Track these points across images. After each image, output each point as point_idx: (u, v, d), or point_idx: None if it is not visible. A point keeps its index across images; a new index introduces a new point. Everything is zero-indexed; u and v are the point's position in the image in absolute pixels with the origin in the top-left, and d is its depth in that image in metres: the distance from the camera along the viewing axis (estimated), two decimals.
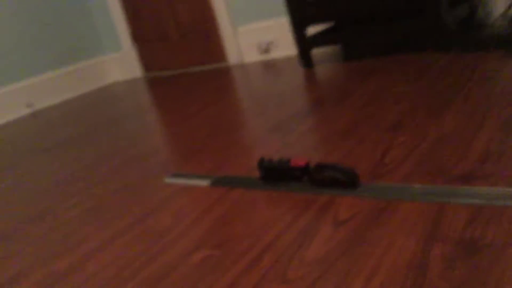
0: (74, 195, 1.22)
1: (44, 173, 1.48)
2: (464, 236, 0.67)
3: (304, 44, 2.01)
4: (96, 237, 0.95)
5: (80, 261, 0.88)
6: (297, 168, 0.94)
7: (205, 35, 2.75)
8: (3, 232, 1.10)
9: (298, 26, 1.99)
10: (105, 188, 1.22)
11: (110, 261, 0.85)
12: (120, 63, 3.14)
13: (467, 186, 0.80)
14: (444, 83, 1.39)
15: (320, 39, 1.98)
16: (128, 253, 0.86)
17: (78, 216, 1.08)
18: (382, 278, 0.62)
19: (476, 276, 0.59)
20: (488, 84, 1.28)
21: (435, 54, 1.77)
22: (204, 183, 1.08)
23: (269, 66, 2.35)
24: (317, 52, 2.39)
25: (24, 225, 1.11)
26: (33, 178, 1.46)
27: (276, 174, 0.98)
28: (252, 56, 2.62)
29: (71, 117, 2.30)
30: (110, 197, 1.15)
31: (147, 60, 3.04)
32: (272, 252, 0.75)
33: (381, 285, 0.61)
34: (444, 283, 0.59)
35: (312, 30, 2.20)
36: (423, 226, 0.71)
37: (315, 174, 0.92)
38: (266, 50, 2.55)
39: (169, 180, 1.15)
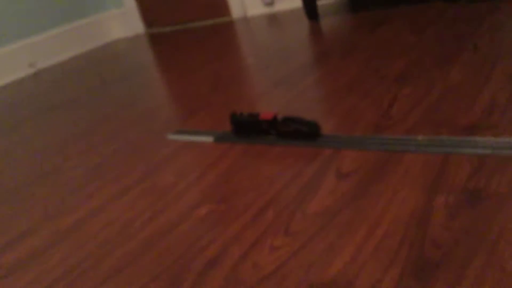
0: (78, 154, 1.23)
1: (48, 133, 1.48)
2: (468, 186, 0.66)
3: None
4: (101, 195, 0.96)
5: (85, 217, 0.89)
6: (264, 121, 0.98)
7: None
8: (10, 190, 1.11)
9: None
10: (109, 147, 1.22)
11: (115, 217, 0.86)
12: (122, 19, 3.08)
13: (472, 137, 0.78)
14: (452, 34, 1.35)
15: None
16: (133, 209, 0.87)
17: (82, 174, 1.09)
18: (385, 229, 0.62)
19: (479, 225, 0.59)
20: (496, 35, 1.24)
21: (443, 4, 1.71)
22: (207, 139, 1.07)
23: (274, 19, 2.29)
24: (323, 4, 2.32)
25: (30, 183, 1.12)
26: (37, 138, 1.46)
27: (246, 127, 1.01)
28: (256, 9, 2.56)
29: (74, 76, 2.29)
30: (114, 155, 1.15)
31: (149, 16, 2.99)
32: (275, 205, 0.75)
33: (383, 235, 0.61)
34: (446, 232, 0.59)
35: None
36: (426, 177, 0.71)
37: (281, 126, 0.95)
38: (271, 3, 2.49)
39: (172, 136, 1.15)
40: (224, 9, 2.67)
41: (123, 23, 3.09)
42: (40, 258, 0.79)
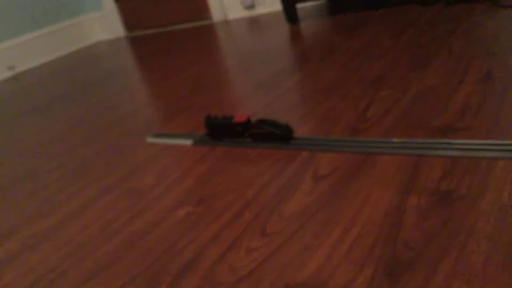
0: (57, 156, 1.22)
1: (27, 136, 1.47)
2: (439, 188, 0.68)
3: None
4: (80, 197, 0.96)
5: (64, 220, 0.88)
6: (238, 124, 0.99)
7: None
8: None
9: None
10: (88, 149, 1.21)
11: (94, 219, 0.86)
12: (102, 22, 3.07)
13: (445, 139, 0.80)
14: (428, 36, 1.38)
15: None
16: (112, 211, 0.87)
17: (61, 176, 1.08)
18: (359, 229, 0.64)
19: (449, 226, 0.60)
20: (472, 37, 1.27)
21: (421, 7, 1.75)
22: (187, 142, 1.07)
23: (254, 22, 2.31)
24: (302, 7, 2.34)
25: (8, 186, 1.11)
26: (15, 140, 1.45)
27: (220, 130, 1.03)
28: (236, 12, 2.57)
29: (54, 79, 2.27)
30: (93, 157, 1.15)
31: (129, 18, 2.97)
32: (253, 207, 0.76)
33: (358, 235, 0.63)
34: (417, 233, 0.60)
35: None
36: (400, 179, 0.72)
37: (254, 129, 0.97)
38: (251, 6, 2.50)
39: (151, 139, 1.15)
40: (204, 12, 2.68)
41: (104, 26, 3.07)
42: (16, 260, 0.78)
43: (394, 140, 0.84)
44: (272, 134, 0.94)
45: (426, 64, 1.16)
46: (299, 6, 2.37)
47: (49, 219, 0.90)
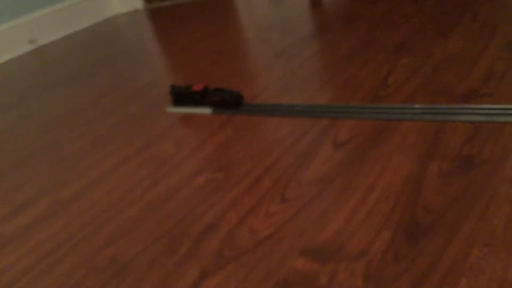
0: (78, 127, 1.23)
1: (48, 108, 1.49)
2: (461, 153, 0.67)
3: None
4: (101, 166, 0.97)
5: (85, 187, 0.90)
6: (196, 92, 1.08)
7: None
8: (11, 163, 1.13)
9: None
10: (108, 120, 1.23)
11: (115, 186, 0.87)
12: None
13: (467, 104, 0.79)
14: (452, 2, 1.34)
15: None
16: (132, 178, 0.88)
17: (83, 146, 1.10)
18: (378, 194, 0.63)
19: (471, 191, 0.59)
20: (497, 4, 1.23)
21: None
22: (206, 111, 1.08)
23: None
24: None
25: (31, 156, 1.13)
26: (38, 113, 1.47)
27: (182, 98, 1.12)
28: None
29: (74, 52, 2.28)
30: (113, 128, 1.16)
31: None
32: (271, 174, 0.76)
33: (377, 200, 0.62)
34: (438, 198, 0.60)
35: None
36: (421, 145, 0.72)
37: (209, 96, 1.07)
38: None
39: (171, 109, 1.15)
40: None
41: None
42: (41, 226, 0.81)
43: (416, 106, 0.82)
44: (225, 100, 1.04)
45: (450, 31, 1.13)
46: None
47: (72, 187, 0.92)
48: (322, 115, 0.90)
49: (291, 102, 1.00)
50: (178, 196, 0.78)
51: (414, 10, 1.37)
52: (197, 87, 1.08)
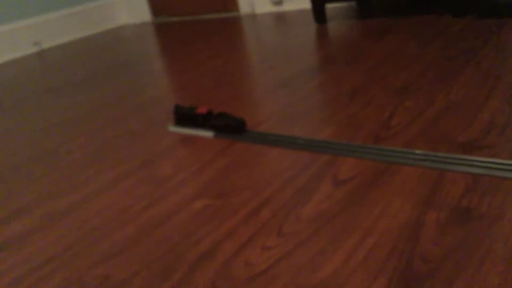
0: (78, 137, 1.23)
1: (49, 114, 1.49)
2: (460, 204, 0.68)
3: None
4: (98, 180, 0.97)
5: (81, 201, 0.90)
6: (200, 115, 1.09)
7: None
8: (7, 169, 1.12)
9: None
10: (109, 132, 1.23)
11: (111, 203, 0.87)
12: (129, 6, 3.08)
13: (468, 155, 0.80)
14: (457, 48, 1.37)
15: None
16: (129, 196, 0.88)
17: (81, 157, 1.10)
18: (376, 238, 0.64)
19: (467, 244, 0.60)
20: (501, 53, 1.26)
21: (451, 18, 1.73)
22: (208, 134, 1.08)
23: (281, 19, 2.30)
24: (331, 8, 2.33)
25: (28, 164, 1.13)
26: (37, 118, 1.47)
27: (186, 119, 1.12)
28: (264, 7, 2.57)
29: (78, 59, 2.29)
30: (113, 141, 1.16)
31: (156, 4, 2.99)
32: (270, 206, 0.76)
33: (374, 244, 0.63)
34: (435, 248, 0.60)
35: None
36: (421, 191, 0.72)
37: (212, 120, 1.07)
38: (279, 2, 2.50)
39: (173, 128, 1.16)
40: (232, 4, 2.68)
41: (130, 9, 3.09)
42: (33, 236, 0.80)
43: (417, 151, 0.84)
44: (228, 125, 1.04)
45: (453, 77, 1.15)
46: (328, 6, 2.36)
47: (66, 199, 0.92)
48: (323, 150, 0.90)
49: (292, 134, 1.01)
50: (174, 220, 0.77)
51: (418, 53, 1.40)
52: (202, 109, 1.09)
